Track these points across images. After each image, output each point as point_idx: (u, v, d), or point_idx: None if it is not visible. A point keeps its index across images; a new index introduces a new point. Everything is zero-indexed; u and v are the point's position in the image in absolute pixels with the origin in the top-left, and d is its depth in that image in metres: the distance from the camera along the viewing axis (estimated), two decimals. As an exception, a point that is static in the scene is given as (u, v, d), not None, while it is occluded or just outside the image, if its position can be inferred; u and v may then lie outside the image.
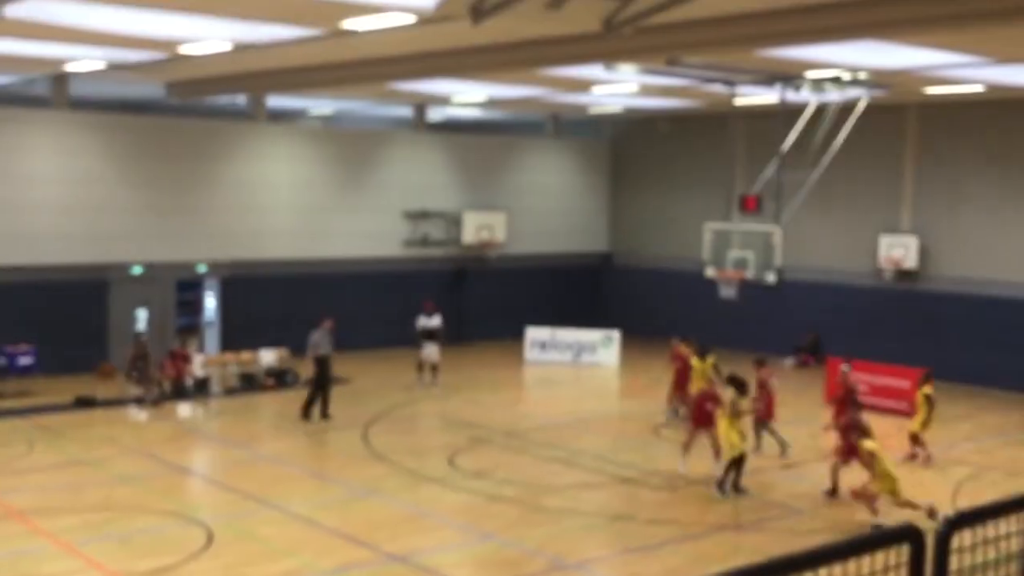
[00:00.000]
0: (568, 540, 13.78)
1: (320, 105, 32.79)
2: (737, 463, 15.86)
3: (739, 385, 16.27)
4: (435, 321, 24.00)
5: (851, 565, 3.62)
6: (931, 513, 13.31)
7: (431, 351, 23.75)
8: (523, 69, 19.38)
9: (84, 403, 21.46)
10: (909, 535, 3.75)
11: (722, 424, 16.09)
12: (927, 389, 18.34)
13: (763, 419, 18.49)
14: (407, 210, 30.00)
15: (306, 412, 20.28)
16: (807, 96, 21.50)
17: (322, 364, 20.43)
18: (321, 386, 20.45)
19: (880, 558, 3.67)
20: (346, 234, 28.93)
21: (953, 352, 25.28)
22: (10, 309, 23.44)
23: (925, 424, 18.18)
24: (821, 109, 22.30)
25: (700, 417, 16.92)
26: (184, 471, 17.22)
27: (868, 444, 14.59)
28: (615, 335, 28.35)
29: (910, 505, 14.05)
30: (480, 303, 30.42)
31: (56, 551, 12.90)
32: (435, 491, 15.92)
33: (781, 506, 15.49)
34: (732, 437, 15.84)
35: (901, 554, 3.74)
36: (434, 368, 23.84)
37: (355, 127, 34.41)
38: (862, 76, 20.37)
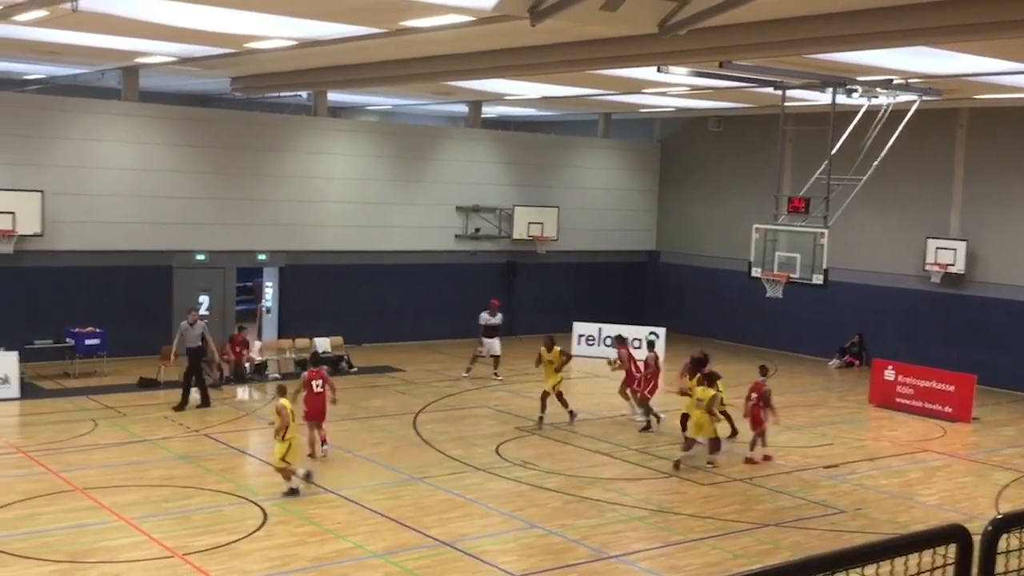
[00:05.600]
0: (610, 531, 14.05)
1: (378, 101, 33.32)
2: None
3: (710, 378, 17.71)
4: (497, 319, 25.16)
5: (896, 565, 3.53)
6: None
7: (493, 344, 24.81)
8: (577, 69, 19.63)
9: (147, 384, 22.19)
10: (956, 535, 3.62)
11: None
12: None
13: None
14: (460, 205, 30.48)
15: (182, 405, 20.40)
16: (858, 100, 21.55)
17: (191, 355, 20.71)
18: (191, 377, 20.69)
19: (926, 558, 3.59)
20: (400, 227, 29.47)
21: (998, 357, 25.20)
22: (79, 293, 24.26)
23: None
24: (872, 113, 22.34)
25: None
26: (241, 452, 17.76)
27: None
28: (660, 332, 28.58)
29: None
30: (529, 297, 30.82)
31: (117, 526, 13.40)
32: (481, 479, 16.32)
33: (823, 505, 15.66)
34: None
35: (946, 555, 3.64)
36: (496, 359, 24.82)
37: (411, 123, 34.92)
38: (914, 81, 20.41)
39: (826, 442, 19.78)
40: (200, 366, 20.91)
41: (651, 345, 21.40)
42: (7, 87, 26.81)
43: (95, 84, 26.91)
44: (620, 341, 21.58)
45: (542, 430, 19.53)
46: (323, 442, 17.25)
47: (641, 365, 20.31)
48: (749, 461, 17.79)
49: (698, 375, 17.89)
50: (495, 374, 24.75)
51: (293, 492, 14.95)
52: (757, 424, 17.89)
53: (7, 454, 16.87)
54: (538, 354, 20.40)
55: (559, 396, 20.10)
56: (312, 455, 16.90)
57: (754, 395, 18.04)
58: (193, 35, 18.43)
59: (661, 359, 21.35)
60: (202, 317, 24.36)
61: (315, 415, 17.00)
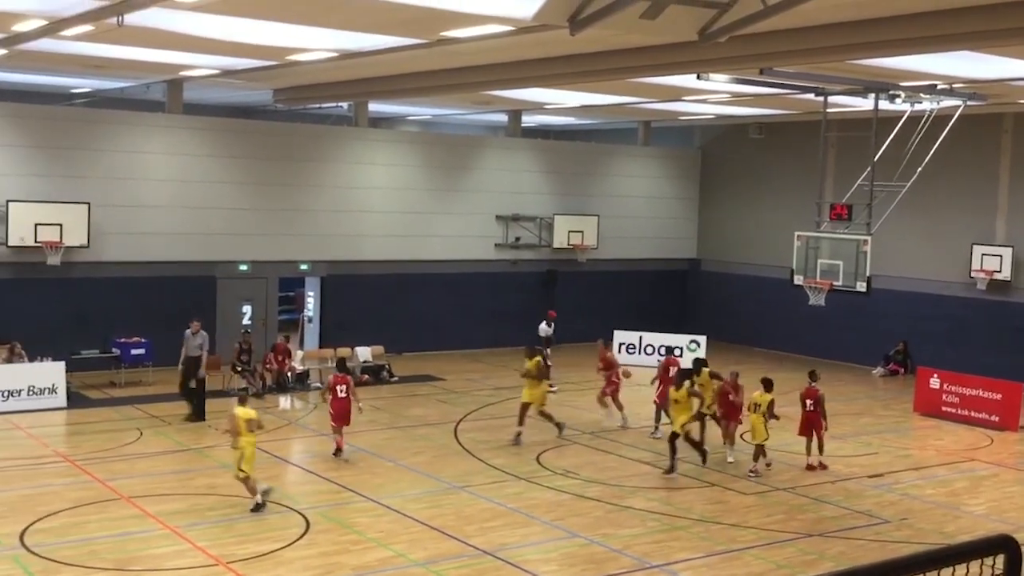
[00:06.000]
0: (652, 541, 13.99)
1: (419, 111, 33.49)
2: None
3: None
4: (551, 328, 25.48)
5: None
6: None
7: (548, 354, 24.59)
8: (617, 77, 19.63)
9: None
10: (1004, 545, 3.59)
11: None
12: None
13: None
14: (500, 214, 30.54)
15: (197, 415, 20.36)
16: (901, 105, 21.35)
17: (190, 365, 20.59)
18: (190, 386, 20.50)
19: (973, 568, 3.52)
20: (440, 236, 29.59)
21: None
22: (125, 303, 24.59)
23: None
24: (915, 118, 22.12)
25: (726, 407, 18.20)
26: (283, 461, 17.87)
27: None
28: (702, 340, 28.46)
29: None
30: (569, 306, 30.79)
31: (162, 534, 13.53)
32: (522, 488, 16.31)
33: (868, 515, 15.50)
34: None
35: (994, 565, 3.61)
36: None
37: (451, 132, 35.06)
38: (958, 86, 20.19)
39: (871, 451, 19.58)
40: (197, 377, 20.54)
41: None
42: (55, 101, 27.26)
43: (140, 97, 27.30)
44: (605, 345, 21.99)
45: (520, 445, 18.87)
46: (339, 448, 17.72)
47: (620, 372, 21.05)
48: (811, 468, 17.80)
49: (686, 382, 17.67)
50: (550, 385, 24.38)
51: (259, 507, 14.49)
52: (817, 430, 17.89)
53: (55, 463, 17.11)
54: (526, 366, 19.48)
55: (542, 414, 19.32)
56: (338, 453, 17.72)
57: (809, 401, 17.98)
58: (236, 48, 18.65)
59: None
60: (246, 330, 24.67)
61: (340, 419, 17.59)
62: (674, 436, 17.21)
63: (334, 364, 24.86)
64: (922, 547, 12.97)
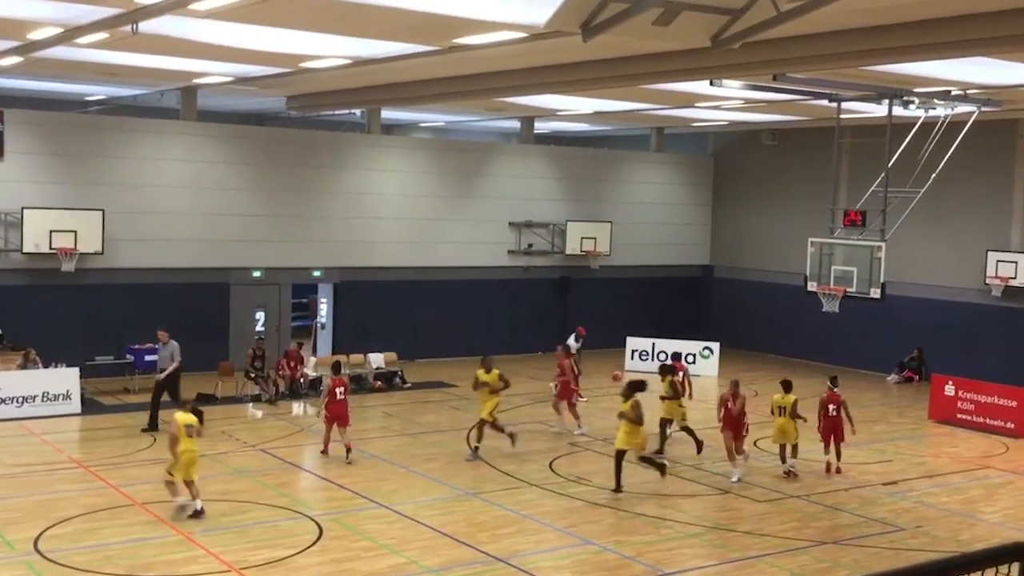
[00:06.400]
0: (665, 548, 13.95)
1: (431, 117, 33.55)
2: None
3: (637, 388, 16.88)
4: (579, 344, 25.24)
5: None
6: None
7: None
8: (629, 84, 19.63)
9: (205, 400, 22.44)
10: (1019, 553, 3.59)
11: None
12: None
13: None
14: (512, 220, 30.55)
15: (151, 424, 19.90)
16: (915, 111, 21.28)
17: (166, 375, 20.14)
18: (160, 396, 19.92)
19: None
20: (453, 243, 29.62)
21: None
22: (138, 310, 24.65)
23: None
24: (929, 124, 22.05)
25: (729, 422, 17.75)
26: (296, 467, 17.90)
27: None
28: (715, 347, 28.40)
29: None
30: (582, 312, 30.75)
31: (176, 540, 13.55)
32: (535, 495, 16.28)
33: (882, 522, 15.43)
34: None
35: (1009, 573, 3.60)
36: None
37: (464, 139, 35.10)
38: (972, 92, 20.12)
39: (885, 459, 19.50)
40: (167, 386, 19.96)
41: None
42: (69, 108, 27.39)
43: (154, 104, 27.42)
44: (565, 349, 21.87)
45: (475, 458, 18.26)
46: (347, 450, 17.87)
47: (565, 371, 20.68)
48: (829, 470, 17.94)
49: (635, 394, 16.58)
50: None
51: (182, 509, 14.47)
52: (838, 435, 17.94)
53: (69, 468, 17.17)
54: (475, 376, 18.64)
55: (493, 424, 18.47)
56: (324, 452, 18.18)
57: (831, 407, 17.94)
58: (249, 55, 18.72)
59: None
60: (259, 337, 24.70)
61: (336, 420, 18.03)
62: (620, 454, 16.44)
63: (346, 371, 25.00)
64: (937, 555, 12.89)
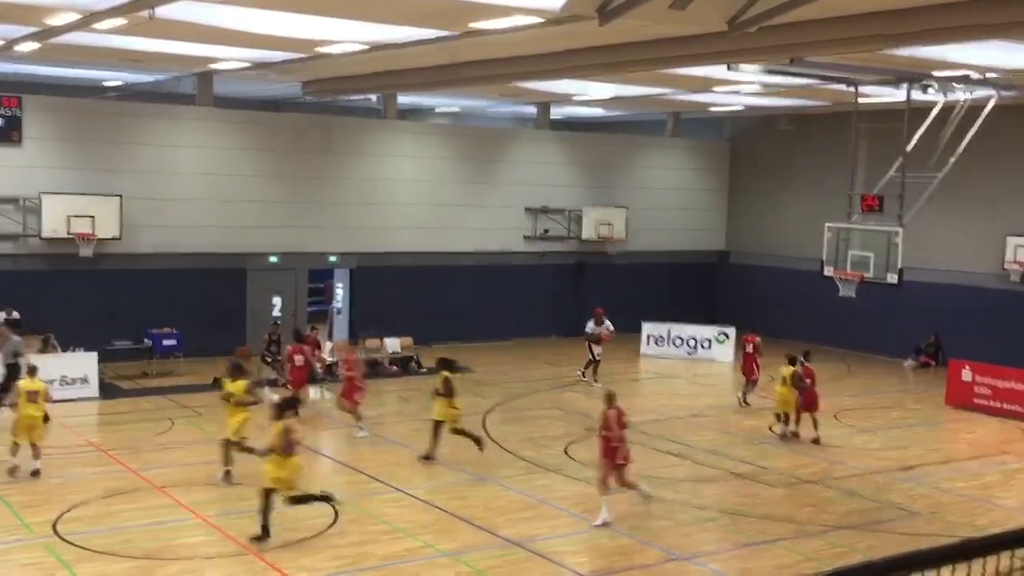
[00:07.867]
0: (681, 533, 13.99)
1: (447, 103, 33.52)
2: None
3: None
4: (599, 327, 24.67)
5: (973, 568, 3.53)
6: None
7: (598, 352, 24.37)
8: (646, 68, 19.55)
9: (222, 384, 22.52)
10: None
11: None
12: None
13: None
14: (528, 206, 30.53)
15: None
16: (934, 96, 21.15)
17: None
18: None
19: (1004, 561, 3.58)
20: (469, 229, 29.62)
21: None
22: (156, 295, 24.82)
23: None
24: (947, 109, 21.90)
25: None
26: (312, 451, 17.95)
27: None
28: (730, 332, 28.37)
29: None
30: (598, 297, 30.73)
31: (194, 523, 13.68)
32: (550, 479, 16.33)
33: (898, 508, 15.41)
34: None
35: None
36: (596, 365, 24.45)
37: (480, 125, 35.06)
38: (991, 76, 19.97)
39: (901, 444, 19.46)
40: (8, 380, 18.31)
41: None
42: (87, 94, 27.49)
43: (171, 90, 27.50)
44: (350, 347, 21.78)
45: (435, 460, 17.10)
46: (360, 428, 18.78)
47: (359, 375, 19.11)
48: (815, 441, 18.95)
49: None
50: (594, 378, 24.16)
51: (14, 471, 15.41)
52: (813, 408, 19.15)
53: (88, 452, 17.31)
54: (443, 378, 17.14)
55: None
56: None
57: (807, 380, 19.17)
58: (266, 41, 18.75)
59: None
60: (276, 321, 24.76)
61: (296, 385, 19.87)
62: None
63: (362, 356, 25.08)
64: (953, 540, 12.87)
